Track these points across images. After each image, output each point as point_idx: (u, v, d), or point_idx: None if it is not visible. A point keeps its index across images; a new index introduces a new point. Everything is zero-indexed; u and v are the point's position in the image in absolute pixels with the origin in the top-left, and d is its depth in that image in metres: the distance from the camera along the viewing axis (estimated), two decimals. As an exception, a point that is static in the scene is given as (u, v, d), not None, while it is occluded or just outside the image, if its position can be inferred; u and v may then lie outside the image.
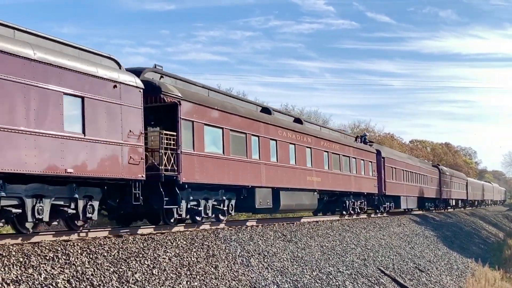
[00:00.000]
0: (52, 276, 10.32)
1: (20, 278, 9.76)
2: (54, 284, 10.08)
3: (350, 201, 30.75)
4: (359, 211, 32.44)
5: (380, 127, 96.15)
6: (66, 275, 10.59)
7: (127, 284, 11.49)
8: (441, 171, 55.83)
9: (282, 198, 21.91)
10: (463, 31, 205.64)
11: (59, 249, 11.50)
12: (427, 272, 26.66)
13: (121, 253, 12.59)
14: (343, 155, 29.75)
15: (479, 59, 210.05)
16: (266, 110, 23.32)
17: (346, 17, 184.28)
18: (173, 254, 13.90)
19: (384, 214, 36.89)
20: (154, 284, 12.05)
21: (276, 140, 22.05)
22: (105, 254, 12.20)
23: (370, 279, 20.65)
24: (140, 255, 12.95)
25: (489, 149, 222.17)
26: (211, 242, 15.94)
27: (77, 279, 10.67)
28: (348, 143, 31.77)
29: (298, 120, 26.67)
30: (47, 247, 11.37)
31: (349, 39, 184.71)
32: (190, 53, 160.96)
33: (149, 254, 13.24)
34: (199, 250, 14.95)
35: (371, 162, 34.17)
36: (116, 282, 11.33)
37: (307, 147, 25.16)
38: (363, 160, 32.71)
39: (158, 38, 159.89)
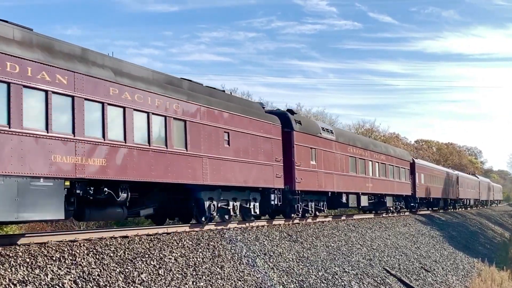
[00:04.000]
0: (58, 276, 10.34)
1: (27, 278, 9.78)
2: (60, 285, 10.10)
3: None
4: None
5: (385, 127, 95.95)
6: (72, 275, 10.61)
7: (133, 285, 11.50)
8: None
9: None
10: (466, 31, 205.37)
11: (66, 249, 11.52)
12: (433, 272, 26.58)
13: (127, 254, 12.60)
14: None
15: (482, 59, 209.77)
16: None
17: (349, 17, 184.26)
18: (179, 254, 13.91)
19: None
20: (160, 285, 12.06)
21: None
22: (111, 254, 12.22)
23: (376, 279, 20.61)
24: (146, 256, 12.96)
25: (494, 149, 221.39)
26: (217, 242, 15.95)
27: (83, 279, 10.69)
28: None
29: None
30: (53, 248, 11.40)
31: (352, 39, 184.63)
32: (194, 54, 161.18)
33: (155, 254, 13.25)
34: (205, 250, 14.96)
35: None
36: (122, 283, 11.34)
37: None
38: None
39: (161, 39, 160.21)
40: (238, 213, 19.43)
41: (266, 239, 18.35)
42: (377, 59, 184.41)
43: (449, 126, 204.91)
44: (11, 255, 10.41)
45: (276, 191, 21.30)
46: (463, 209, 64.33)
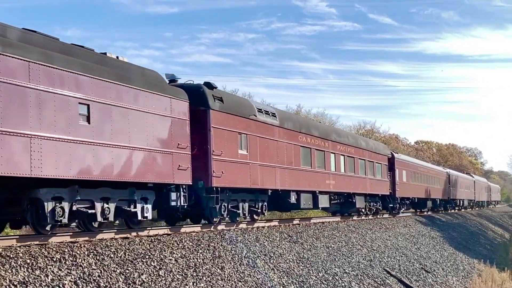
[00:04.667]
0: (59, 277, 10.34)
1: (27, 279, 9.79)
2: (61, 286, 10.10)
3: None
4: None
5: (385, 128, 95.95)
6: (73, 276, 10.61)
7: (134, 285, 11.51)
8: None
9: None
10: (466, 32, 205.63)
11: (66, 250, 11.53)
12: (433, 273, 26.58)
13: (128, 254, 12.61)
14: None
15: (482, 60, 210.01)
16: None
17: (348, 19, 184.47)
18: (179, 255, 13.92)
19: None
20: (160, 285, 12.07)
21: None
22: (112, 255, 12.22)
23: (376, 280, 20.61)
24: (147, 256, 12.97)
25: (494, 150, 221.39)
26: (217, 243, 15.95)
27: (84, 280, 10.69)
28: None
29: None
30: (54, 249, 11.41)
31: (351, 40, 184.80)
32: (194, 55, 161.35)
33: (155, 255, 13.25)
34: (205, 251, 14.97)
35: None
36: (123, 284, 11.35)
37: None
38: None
39: (161, 40, 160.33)
40: (112, 218, 14.10)
41: (266, 240, 18.36)
42: (377, 60, 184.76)
43: (450, 127, 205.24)
44: (11, 256, 10.42)
45: (181, 189, 16.09)
46: (455, 210, 60.15)
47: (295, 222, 24.35)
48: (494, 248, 46.06)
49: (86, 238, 13.27)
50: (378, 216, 34.71)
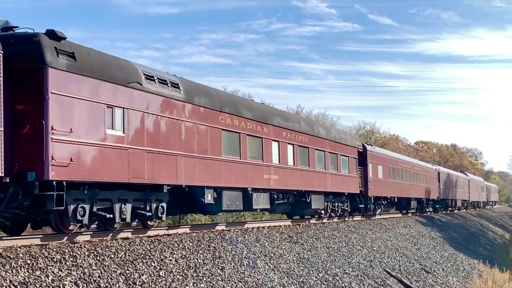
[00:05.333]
0: (59, 278, 10.35)
1: (27, 280, 9.80)
2: (61, 286, 10.11)
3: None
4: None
5: (385, 129, 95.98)
6: (73, 277, 10.62)
7: (134, 286, 11.51)
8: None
9: None
10: (466, 33, 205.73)
11: (66, 251, 11.54)
12: (433, 273, 26.58)
13: (128, 255, 12.61)
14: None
15: (482, 60, 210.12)
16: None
17: (348, 19, 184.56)
18: (179, 255, 13.92)
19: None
20: (160, 286, 12.07)
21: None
22: (112, 256, 12.23)
23: (376, 280, 20.61)
24: (147, 257, 12.98)
25: (495, 150, 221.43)
26: (218, 243, 15.96)
27: (84, 281, 10.70)
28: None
29: None
30: (54, 249, 11.42)
31: (351, 41, 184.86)
32: (194, 55, 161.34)
33: (155, 256, 13.26)
34: (205, 252, 14.97)
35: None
36: (123, 284, 11.35)
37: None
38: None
39: (161, 41, 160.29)
40: None
41: (266, 241, 18.37)
42: (377, 61, 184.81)
43: (450, 128, 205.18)
44: (11, 256, 10.42)
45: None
46: (446, 211, 55.46)
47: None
48: (494, 248, 46.06)
49: (87, 239, 13.29)
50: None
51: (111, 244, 12.87)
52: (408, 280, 22.96)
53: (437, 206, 50.65)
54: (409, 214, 42.10)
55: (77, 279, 10.61)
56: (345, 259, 20.87)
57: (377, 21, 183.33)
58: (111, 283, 11.12)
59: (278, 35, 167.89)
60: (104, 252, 12.19)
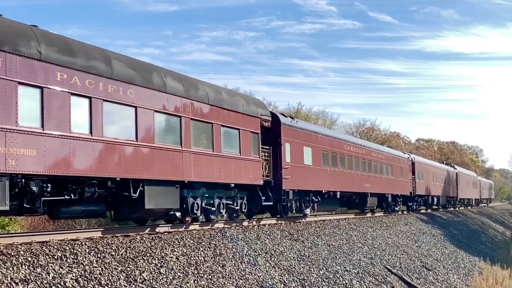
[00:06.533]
0: (60, 275, 10.36)
1: (28, 277, 9.80)
2: (62, 283, 10.11)
3: None
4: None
5: (386, 126, 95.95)
6: (74, 274, 10.62)
7: (135, 283, 11.52)
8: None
9: None
10: (466, 31, 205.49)
11: (67, 248, 11.54)
12: (434, 270, 26.59)
13: (129, 252, 12.62)
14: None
15: (482, 58, 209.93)
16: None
17: (348, 17, 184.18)
18: (180, 253, 13.93)
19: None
20: (161, 283, 12.08)
21: None
22: (113, 253, 12.24)
23: (377, 277, 20.62)
24: (148, 254, 12.98)
25: (495, 148, 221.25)
26: (218, 241, 15.96)
27: (85, 278, 10.71)
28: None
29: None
30: (55, 247, 11.42)
31: (351, 38, 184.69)
32: (194, 53, 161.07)
33: (156, 253, 13.26)
34: (206, 249, 14.97)
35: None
36: (124, 281, 11.36)
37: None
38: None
39: (161, 38, 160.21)
40: None
41: (267, 238, 18.37)
42: (377, 58, 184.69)
43: (450, 125, 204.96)
44: (12, 254, 10.43)
45: None
46: (427, 209, 46.98)
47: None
48: (495, 246, 46.07)
49: (88, 236, 13.29)
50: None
51: (112, 241, 12.88)
52: (409, 277, 22.96)
53: (410, 203, 40.87)
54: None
55: (78, 277, 10.62)
56: (346, 257, 20.87)
57: (377, 19, 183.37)
58: (112, 280, 11.13)
59: (278, 33, 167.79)
60: (105, 250, 12.19)
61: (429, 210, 44.63)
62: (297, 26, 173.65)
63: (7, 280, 9.46)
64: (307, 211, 24.53)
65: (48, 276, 10.11)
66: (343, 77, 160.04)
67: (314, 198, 24.95)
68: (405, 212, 39.84)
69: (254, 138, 20.36)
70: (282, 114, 24.01)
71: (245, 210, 20.20)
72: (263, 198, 20.59)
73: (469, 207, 66.12)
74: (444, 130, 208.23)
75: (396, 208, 37.97)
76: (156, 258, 13.00)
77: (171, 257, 13.46)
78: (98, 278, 10.93)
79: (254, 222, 20.58)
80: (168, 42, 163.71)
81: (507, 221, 72.26)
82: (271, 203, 21.13)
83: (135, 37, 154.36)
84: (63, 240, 12.29)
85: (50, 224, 29.97)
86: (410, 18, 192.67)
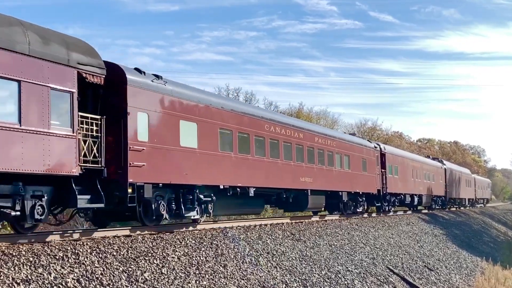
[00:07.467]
0: (61, 275, 10.34)
1: (30, 277, 9.79)
2: (63, 284, 10.10)
3: None
4: None
5: (387, 126, 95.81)
6: (75, 274, 10.61)
7: (136, 284, 11.50)
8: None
9: None
10: (467, 30, 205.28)
11: (69, 248, 11.53)
12: (436, 270, 26.54)
13: (130, 253, 12.61)
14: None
15: (484, 57, 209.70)
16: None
17: (349, 16, 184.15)
18: (182, 253, 13.91)
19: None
20: (163, 283, 12.06)
21: None
22: (114, 253, 12.22)
23: (379, 278, 20.58)
24: (149, 254, 12.97)
25: (497, 147, 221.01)
26: (220, 241, 15.94)
27: (86, 278, 10.69)
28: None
29: None
30: (56, 247, 11.41)
31: (352, 38, 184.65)
32: (195, 53, 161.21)
33: (158, 253, 13.25)
34: (207, 249, 14.95)
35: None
36: (125, 282, 11.34)
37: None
38: None
39: (163, 38, 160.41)
40: None
41: (269, 238, 18.34)
42: (378, 58, 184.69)
43: (452, 125, 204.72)
44: (14, 254, 10.42)
45: None
46: (411, 210, 41.97)
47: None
48: (497, 246, 45.97)
49: (89, 236, 13.27)
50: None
51: (113, 242, 12.86)
52: (411, 277, 22.93)
53: (377, 204, 33.80)
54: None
55: (80, 277, 10.60)
56: (347, 257, 20.84)
57: (378, 18, 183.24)
58: (113, 281, 11.11)
59: (279, 32, 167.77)
60: (106, 250, 12.18)
61: (409, 212, 38.95)
62: (298, 26, 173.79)
63: (8, 280, 9.45)
64: (192, 214, 17.02)
65: (49, 276, 10.10)
66: (344, 77, 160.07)
67: (202, 196, 17.22)
68: (373, 215, 32.91)
69: (60, 100, 12.26)
70: (136, 69, 15.47)
71: (42, 216, 11.93)
72: (88, 197, 12.85)
73: (468, 208, 62.69)
74: (445, 130, 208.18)
75: (358, 210, 30.44)
76: (158, 258, 12.98)
77: (173, 257, 13.44)
78: (99, 278, 10.91)
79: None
80: (169, 42, 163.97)
81: (510, 221, 72.12)
82: (102, 205, 13.17)
83: (136, 37, 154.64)
84: (64, 240, 12.28)
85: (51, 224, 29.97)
86: (411, 17, 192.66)
